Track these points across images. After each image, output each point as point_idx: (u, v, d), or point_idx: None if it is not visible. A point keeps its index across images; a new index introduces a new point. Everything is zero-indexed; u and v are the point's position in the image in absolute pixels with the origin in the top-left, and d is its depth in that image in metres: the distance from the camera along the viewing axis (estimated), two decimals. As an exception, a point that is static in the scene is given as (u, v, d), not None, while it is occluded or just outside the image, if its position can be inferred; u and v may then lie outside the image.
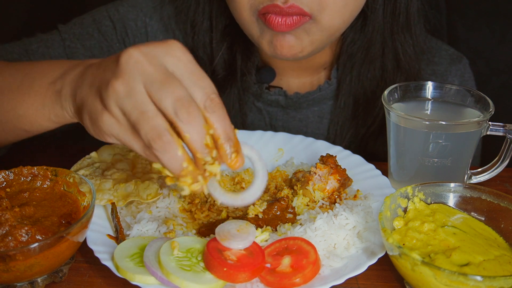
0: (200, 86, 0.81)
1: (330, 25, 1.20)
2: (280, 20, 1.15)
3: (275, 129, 1.50)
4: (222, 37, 1.39)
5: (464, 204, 1.00)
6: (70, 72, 0.93)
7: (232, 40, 1.39)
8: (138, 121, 0.79)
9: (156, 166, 0.82)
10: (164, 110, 0.79)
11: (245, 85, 1.44)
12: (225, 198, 0.88)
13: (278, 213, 1.05)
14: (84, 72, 0.90)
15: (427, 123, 1.08)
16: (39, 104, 0.96)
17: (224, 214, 1.08)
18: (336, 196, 1.08)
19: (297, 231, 0.98)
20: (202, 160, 0.81)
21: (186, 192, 0.82)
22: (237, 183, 1.17)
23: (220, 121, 0.81)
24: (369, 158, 1.23)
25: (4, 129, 1.04)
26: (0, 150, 1.24)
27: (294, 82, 1.47)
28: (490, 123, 1.10)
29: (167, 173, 0.82)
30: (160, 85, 0.78)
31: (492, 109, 1.09)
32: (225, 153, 0.82)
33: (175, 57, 0.81)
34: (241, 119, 1.45)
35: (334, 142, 1.45)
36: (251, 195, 0.89)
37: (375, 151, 1.42)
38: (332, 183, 1.08)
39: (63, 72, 0.95)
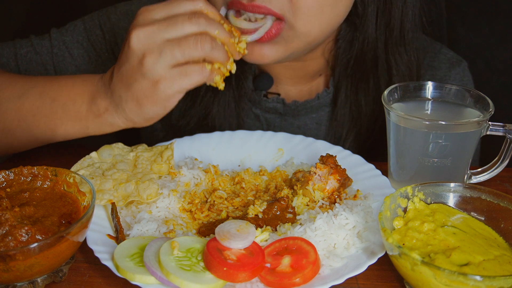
0: (184, 5, 1.00)
1: (305, 30, 1.17)
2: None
3: None
4: None
5: (464, 204, 1.00)
6: (98, 96, 1.07)
7: None
8: (184, 51, 0.97)
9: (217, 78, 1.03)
10: (191, 33, 0.97)
11: (242, 91, 1.43)
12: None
13: (278, 213, 1.05)
14: (107, 90, 1.05)
15: (427, 123, 1.08)
16: (81, 127, 1.10)
17: (224, 214, 1.08)
18: (336, 196, 1.08)
19: (297, 231, 0.98)
20: (234, 44, 1.04)
21: (234, 68, 1.06)
22: (237, 183, 1.17)
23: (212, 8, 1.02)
24: (369, 156, 1.23)
25: (38, 142, 1.17)
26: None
27: (292, 90, 1.47)
28: (490, 123, 1.10)
29: (218, 79, 1.04)
30: (172, 25, 0.97)
31: (492, 109, 1.09)
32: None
33: (149, 11, 1.00)
34: (238, 125, 1.45)
35: None
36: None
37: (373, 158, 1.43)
38: (332, 183, 1.08)
39: (91, 97, 1.08)
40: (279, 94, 1.45)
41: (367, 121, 1.41)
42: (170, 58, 0.97)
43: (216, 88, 1.05)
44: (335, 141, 1.44)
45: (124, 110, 1.03)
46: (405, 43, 1.34)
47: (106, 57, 1.45)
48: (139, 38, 0.98)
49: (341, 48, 1.36)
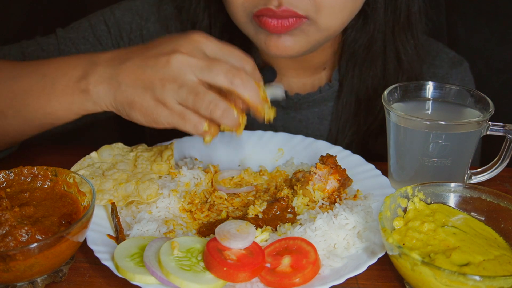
0: (235, 58, 1.00)
1: (328, 26, 1.20)
2: (275, 22, 1.16)
3: (275, 129, 1.50)
4: (220, 35, 1.41)
5: (464, 204, 1.00)
6: (93, 72, 1.02)
7: (231, 37, 1.40)
8: (195, 102, 0.95)
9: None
10: (221, 85, 0.96)
11: None
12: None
13: (278, 213, 1.05)
14: (112, 73, 1.01)
15: (427, 123, 1.08)
16: (67, 102, 1.05)
17: (224, 214, 1.08)
18: (336, 196, 1.08)
19: (297, 231, 0.98)
20: (263, 113, 0.99)
21: (240, 133, 0.99)
22: (237, 183, 1.17)
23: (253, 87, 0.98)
24: (369, 156, 1.23)
25: (31, 125, 1.12)
26: (12, 146, 1.24)
27: (295, 82, 1.47)
28: (490, 123, 1.10)
29: (208, 139, 1.00)
30: (208, 69, 0.96)
31: (492, 109, 1.09)
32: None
33: (204, 43, 0.99)
34: None
35: (335, 140, 1.45)
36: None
37: (375, 149, 1.43)
38: (332, 183, 1.08)
39: (84, 72, 1.03)
40: None
41: (372, 106, 1.41)
42: (181, 98, 0.96)
43: None
44: (339, 128, 1.45)
45: (115, 97, 1.01)
46: (411, 28, 1.36)
47: None
48: (180, 62, 0.97)
49: (350, 37, 1.38)
